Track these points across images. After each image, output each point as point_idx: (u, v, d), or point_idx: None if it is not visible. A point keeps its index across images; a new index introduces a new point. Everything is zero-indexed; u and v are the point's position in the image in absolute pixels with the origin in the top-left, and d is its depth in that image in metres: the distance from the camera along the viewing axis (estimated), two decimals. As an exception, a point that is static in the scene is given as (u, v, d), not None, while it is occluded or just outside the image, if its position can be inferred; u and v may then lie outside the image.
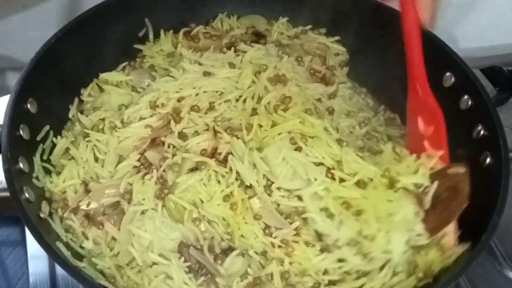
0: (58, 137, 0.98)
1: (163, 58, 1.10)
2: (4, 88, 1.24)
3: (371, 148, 0.99)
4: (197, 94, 0.97)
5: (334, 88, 1.06)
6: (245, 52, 1.06)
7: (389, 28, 1.07)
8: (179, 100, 0.97)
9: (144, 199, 0.88)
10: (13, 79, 0.92)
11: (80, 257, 0.86)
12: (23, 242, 1.04)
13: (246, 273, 0.85)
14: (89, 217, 0.89)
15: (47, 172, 0.93)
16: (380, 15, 1.07)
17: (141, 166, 0.92)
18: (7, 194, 0.81)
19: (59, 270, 0.99)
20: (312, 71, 1.07)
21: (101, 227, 0.88)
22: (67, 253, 0.83)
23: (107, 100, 1.03)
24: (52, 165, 0.95)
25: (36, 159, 0.92)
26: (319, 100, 1.02)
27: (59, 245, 0.84)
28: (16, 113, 0.87)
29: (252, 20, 1.18)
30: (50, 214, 0.89)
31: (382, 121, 1.09)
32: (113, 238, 0.88)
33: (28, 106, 0.91)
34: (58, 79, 0.98)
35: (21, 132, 0.89)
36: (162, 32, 1.12)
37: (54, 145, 0.97)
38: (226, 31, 1.15)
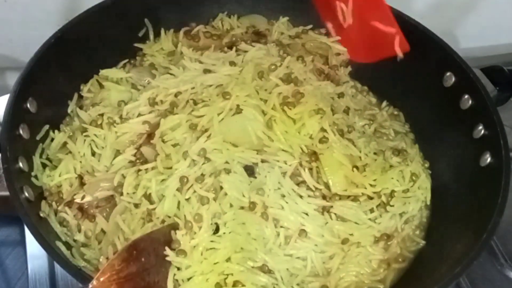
0: (56, 131, 0.97)
1: (164, 56, 1.10)
2: (4, 87, 1.24)
3: (385, 147, 1.01)
4: (193, 88, 0.97)
5: (344, 88, 1.07)
6: (246, 51, 1.06)
7: None
8: (176, 95, 0.97)
9: (134, 193, 0.88)
10: (13, 79, 0.92)
11: (69, 247, 0.86)
12: (22, 242, 1.04)
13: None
14: (82, 210, 0.89)
15: (43, 166, 0.93)
16: None
17: (137, 161, 0.92)
18: (6, 193, 0.81)
19: (58, 269, 0.99)
20: (318, 71, 1.07)
21: (93, 220, 0.89)
22: (66, 253, 0.83)
23: (107, 97, 1.02)
24: (48, 159, 0.95)
25: (36, 158, 0.92)
26: (333, 99, 1.03)
27: (59, 244, 0.84)
28: (16, 112, 0.87)
29: (252, 20, 1.17)
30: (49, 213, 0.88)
31: (386, 116, 1.09)
32: (102, 231, 0.88)
33: (28, 105, 0.91)
34: (58, 78, 0.98)
35: (21, 132, 0.89)
36: (162, 31, 1.12)
37: (52, 140, 0.96)
38: (227, 30, 1.15)
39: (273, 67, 1.01)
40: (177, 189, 0.86)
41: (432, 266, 0.90)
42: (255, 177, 0.90)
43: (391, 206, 0.93)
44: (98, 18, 1.02)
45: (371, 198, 0.93)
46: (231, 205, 0.86)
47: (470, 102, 0.98)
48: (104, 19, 1.03)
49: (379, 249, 0.90)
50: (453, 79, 1.01)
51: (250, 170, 0.90)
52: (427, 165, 1.03)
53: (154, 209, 0.86)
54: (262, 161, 0.91)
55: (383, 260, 0.90)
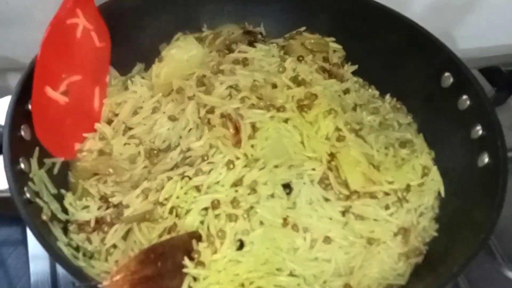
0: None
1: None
2: (5, 89, 1.24)
3: (393, 139, 1.01)
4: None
5: (349, 84, 1.08)
6: (246, 52, 1.06)
7: (379, 21, 1.09)
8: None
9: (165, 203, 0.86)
10: (14, 80, 0.92)
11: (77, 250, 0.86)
12: (24, 242, 1.04)
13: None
14: (98, 222, 0.87)
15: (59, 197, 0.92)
16: (368, 10, 1.10)
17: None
18: (8, 194, 0.81)
19: (60, 269, 0.99)
20: (321, 69, 1.08)
21: (106, 229, 0.86)
22: (68, 253, 0.83)
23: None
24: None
25: (33, 160, 0.90)
26: (340, 96, 1.04)
27: (60, 245, 0.84)
28: (17, 113, 0.87)
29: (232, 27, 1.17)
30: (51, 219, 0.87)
31: (389, 109, 1.10)
32: (114, 246, 0.86)
33: (29, 106, 0.91)
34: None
35: (22, 133, 0.88)
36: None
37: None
38: (215, 34, 1.14)
39: (281, 69, 1.02)
40: (204, 208, 0.85)
41: (431, 266, 0.90)
42: (290, 192, 0.89)
43: (407, 201, 0.94)
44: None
45: (387, 194, 0.93)
46: (261, 223, 0.85)
47: (468, 102, 0.98)
48: (105, 22, 1.03)
49: (398, 243, 0.90)
50: (451, 79, 1.01)
51: (287, 187, 0.89)
52: (432, 155, 1.02)
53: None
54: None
55: (402, 253, 0.91)
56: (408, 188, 0.95)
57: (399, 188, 0.94)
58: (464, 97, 0.98)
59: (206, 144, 0.91)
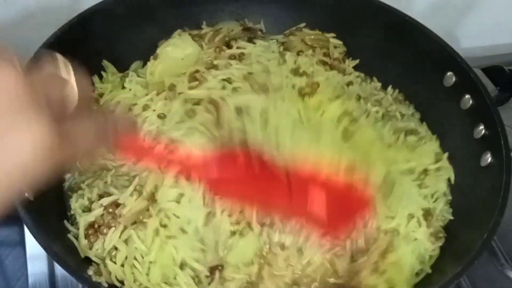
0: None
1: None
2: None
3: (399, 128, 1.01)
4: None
5: (352, 77, 1.07)
6: (244, 48, 1.06)
7: (381, 20, 1.08)
8: None
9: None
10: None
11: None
12: (22, 243, 1.03)
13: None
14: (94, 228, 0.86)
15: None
16: (369, 9, 1.08)
17: None
18: (6, 193, 0.81)
19: (58, 270, 0.98)
20: (322, 62, 1.07)
21: (105, 231, 0.85)
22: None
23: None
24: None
25: None
26: (343, 88, 1.04)
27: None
28: (15, 112, 0.87)
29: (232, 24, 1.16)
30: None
31: (391, 100, 1.09)
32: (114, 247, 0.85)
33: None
34: (57, 78, 0.98)
35: (20, 132, 0.88)
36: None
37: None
38: (215, 31, 1.13)
39: (281, 61, 1.02)
40: None
41: (434, 266, 0.89)
42: None
43: (426, 186, 0.94)
44: (97, 18, 1.01)
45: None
46: None
47: (470, 102, 0.97)
48: (104, 19, 1.02)
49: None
50: (454, 79, 1.01)
51: None
52: (438, 142, 1.02)
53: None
54: None
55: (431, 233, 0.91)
56: (425, 172, 0.95)
57: (417, 171, 0.94)
58: (467, 96, 0.98)
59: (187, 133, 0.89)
